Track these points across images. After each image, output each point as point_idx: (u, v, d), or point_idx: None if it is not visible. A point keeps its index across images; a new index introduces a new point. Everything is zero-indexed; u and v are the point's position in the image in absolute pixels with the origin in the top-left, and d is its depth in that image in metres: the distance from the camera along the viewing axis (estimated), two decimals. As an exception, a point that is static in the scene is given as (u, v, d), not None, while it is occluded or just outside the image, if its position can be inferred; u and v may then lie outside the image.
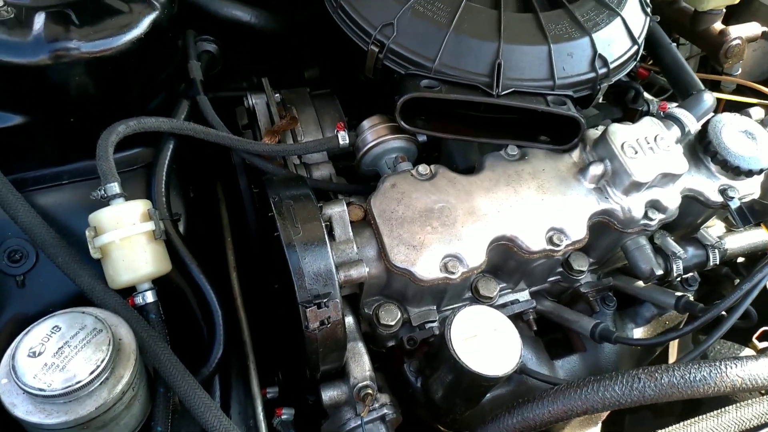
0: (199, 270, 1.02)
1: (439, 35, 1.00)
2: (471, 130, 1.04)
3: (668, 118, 1.04)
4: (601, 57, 1.03)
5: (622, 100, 1.27)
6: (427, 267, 0.89)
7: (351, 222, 0.96)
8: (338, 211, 0.94)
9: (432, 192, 0.95)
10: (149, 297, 0.93)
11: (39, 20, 0.93)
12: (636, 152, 0.96)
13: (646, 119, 1.00)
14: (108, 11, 0.98)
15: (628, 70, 1.10)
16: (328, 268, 0.83)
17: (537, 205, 0.96)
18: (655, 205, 0.98)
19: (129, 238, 0.90)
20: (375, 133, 1.06)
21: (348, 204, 1.01)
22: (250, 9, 1.26)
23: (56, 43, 0.93)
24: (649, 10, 1.15)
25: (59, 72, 0.94)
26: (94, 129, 0.98)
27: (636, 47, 1.09)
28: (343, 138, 1.08)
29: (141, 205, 0.93)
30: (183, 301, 1.04)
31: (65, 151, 1.04)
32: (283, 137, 1.16)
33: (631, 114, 1.26)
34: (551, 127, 1.04)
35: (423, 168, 0.98)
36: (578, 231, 0.96)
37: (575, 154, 1.02)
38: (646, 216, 0.98)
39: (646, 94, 1.36)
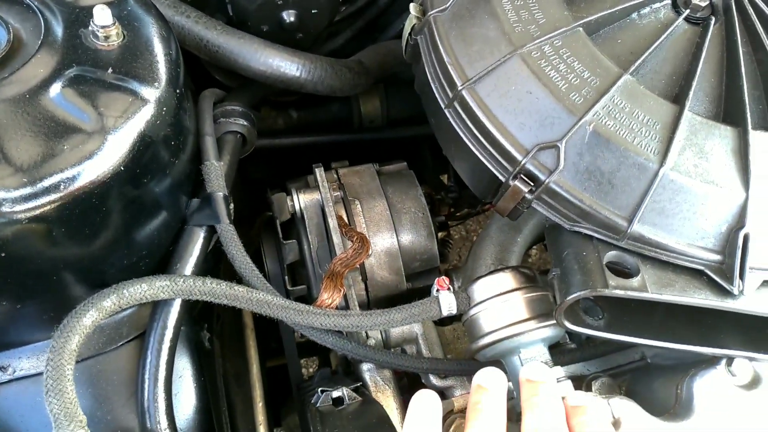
0: None
1: (641, 176, 0.56)
2: (674, 324, 0.63)
3: None
4: None
5: None
6: None
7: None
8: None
9: (612, 458, 0.57)
10: None
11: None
12: None
13: None
14: (56, 128, 0.54)
15: None
16: None
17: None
18: None
19: None
20: (506, 313, 0.65)
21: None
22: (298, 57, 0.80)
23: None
24: None
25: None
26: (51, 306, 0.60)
27: None
28: (449, 304, 0.68)
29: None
30: None
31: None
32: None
33: None
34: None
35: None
36: None
37: None
38: None
39: None
